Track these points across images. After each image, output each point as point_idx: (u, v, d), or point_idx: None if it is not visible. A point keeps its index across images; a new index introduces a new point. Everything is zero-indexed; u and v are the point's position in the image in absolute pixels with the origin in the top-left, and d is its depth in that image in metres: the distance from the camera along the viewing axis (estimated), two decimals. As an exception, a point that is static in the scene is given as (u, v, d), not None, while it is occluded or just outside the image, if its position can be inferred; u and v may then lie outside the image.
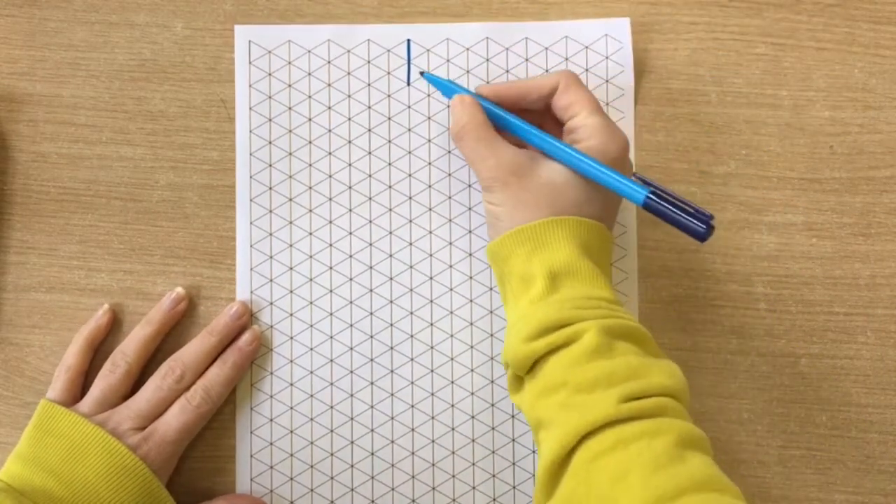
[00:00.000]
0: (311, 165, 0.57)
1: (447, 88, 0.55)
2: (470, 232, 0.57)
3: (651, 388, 0.42)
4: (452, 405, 0.56)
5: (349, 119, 0.57)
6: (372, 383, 0.56)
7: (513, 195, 0.48)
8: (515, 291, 0.48)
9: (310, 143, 0.57)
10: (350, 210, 0.57)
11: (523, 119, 0.51)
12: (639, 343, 0.45)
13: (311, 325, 0.56)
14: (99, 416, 0.52)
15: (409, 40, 0.57)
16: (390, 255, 0.57)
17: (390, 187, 0.57)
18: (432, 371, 0.56)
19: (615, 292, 0.47)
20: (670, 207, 0.44)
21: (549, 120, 0.53)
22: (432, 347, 0.56)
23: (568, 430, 0.41)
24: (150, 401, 0.53)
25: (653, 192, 0.45)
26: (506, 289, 0.50)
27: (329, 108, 0.57)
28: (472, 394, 0.56)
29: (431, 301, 0.57)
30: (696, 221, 0.44)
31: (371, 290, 0.57)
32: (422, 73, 0.57)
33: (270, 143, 0.57)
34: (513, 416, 0.56)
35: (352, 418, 0.56)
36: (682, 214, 0.44)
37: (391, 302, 0.57)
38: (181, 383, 0.53)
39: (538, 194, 0.48)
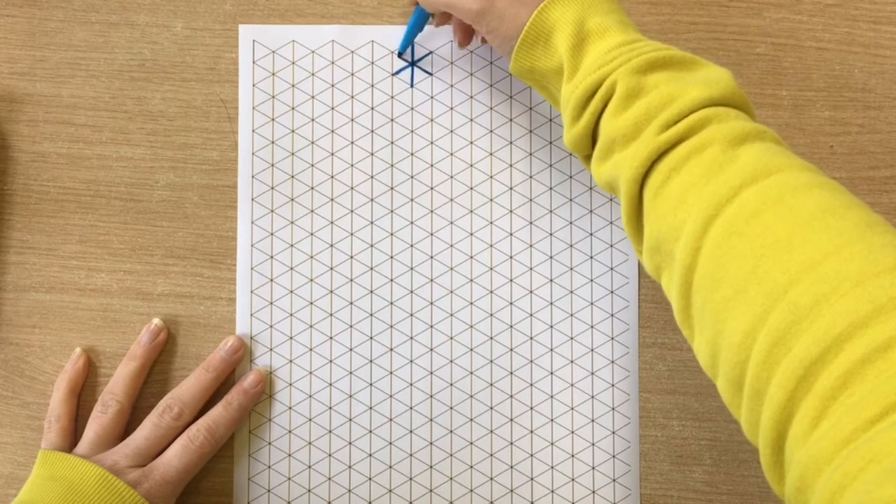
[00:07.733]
0: (313, 166, 0.57)
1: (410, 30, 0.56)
2: (471, 234, 0.57)
3: (686, 107, 0.40)
4: (451, 407, 0.56)
5: (352, 120, 0.57)
6: (371, 384, 0.56)
7: (502, 5, 0.47)
8: (555, 86, 0.47)
9: (312, 143, 0.57)
10: (351, 211, 0.57)
11: None
12: (672, 67, 0.43)
13: (311, 326, 0.56)
14: (97, 456, 0.52)
15: (413, 42, 0.57)
16: (391, 257, 0.57)
17: (392, 189, 0.57)
18: (431, 373, 0.56)
19: (634, 30, 0.46)
20: None
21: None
22: (431, 349, 0.56)
23: (628, 178, 0.41)
24: (148, 438, 0.52)
25: None
26: (550, 92, 0.49)
27: (332, 108, 0.57)
28: (471, 396, 0.56)
29: (431, 303, 0.57)
30: None
31: (371, 292, 0.57)
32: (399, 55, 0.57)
33: (273, 142, 0.57)
34: (511, 420, 0.56)
35: (350, 419, 0.56)
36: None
37: (391, 303, 0.57)
38: (179, 420, 0.53)
39: None
